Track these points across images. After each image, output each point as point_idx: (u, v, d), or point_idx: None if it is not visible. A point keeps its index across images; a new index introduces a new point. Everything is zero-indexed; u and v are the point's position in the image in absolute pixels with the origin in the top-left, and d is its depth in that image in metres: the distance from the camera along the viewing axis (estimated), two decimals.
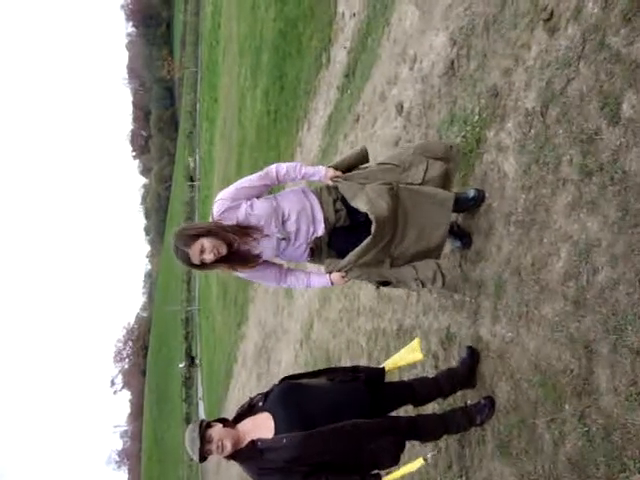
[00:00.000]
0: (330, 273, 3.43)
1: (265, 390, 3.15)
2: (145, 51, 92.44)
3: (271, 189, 3.44)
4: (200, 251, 3.08)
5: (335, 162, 3.47)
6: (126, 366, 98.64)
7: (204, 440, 2.83)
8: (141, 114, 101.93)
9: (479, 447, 3.47)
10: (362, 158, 3.47)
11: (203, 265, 3.18)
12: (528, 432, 3.04)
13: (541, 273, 3.06)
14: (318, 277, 3.50)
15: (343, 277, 3.42)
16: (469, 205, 3.70)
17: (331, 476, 2.86)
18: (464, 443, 3.64)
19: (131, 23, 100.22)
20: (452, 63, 4.34)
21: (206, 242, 3.08)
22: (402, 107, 5.26)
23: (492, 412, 3.34)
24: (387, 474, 3.06)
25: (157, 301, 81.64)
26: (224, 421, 3.00)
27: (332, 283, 3.45)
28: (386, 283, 3.53)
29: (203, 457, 2.86)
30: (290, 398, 2.99)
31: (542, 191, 3.12)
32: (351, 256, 3.27)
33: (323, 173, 3.36)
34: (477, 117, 3.85)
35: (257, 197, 3.30)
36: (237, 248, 3.20)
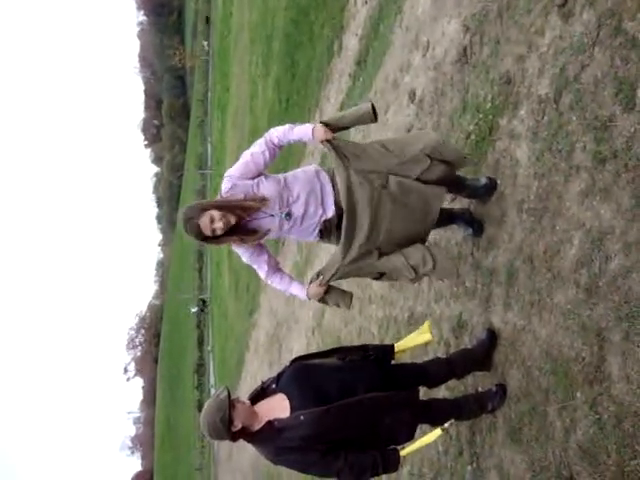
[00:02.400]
0: (310, 283, 3.40)
1: (276, 373, 3.16)
2: (156, 40, 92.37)
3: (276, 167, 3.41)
4: (210, 221, 3.11)
5: (330, 117, 3.30)
6: (138, 353, 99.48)
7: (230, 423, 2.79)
8: (153, 103, 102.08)
9: (490, 434, 3.48)
10: (366, 118, 3.22)
11: (214, 238, 3.21)
12: (539, 419, 3.05)
13: (553, 261, 3.06)
14: (299, 288, 3.46)
15: (320, 289, 3.36)
16: (481, 193, 3.69)
17: (350, 454, 2.84)
18: (475, 430, 3.65)
19: (142, 12, 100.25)
20: (465, 50, 4.31)
21: (215, 212, 3.11)
22: (414, 95, 5.24)
23: (503, 399, 3.34)
24: (402, 449, 3.04)
25: (169, 289, 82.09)
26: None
27: (308, 297, 3.42)
28: (381, 276, 3.45)
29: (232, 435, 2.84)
30: (303, 377, 3.00)
31: (555, 178, 3.11)
32: (327, 270, 3.28)
33: (310, 132, 3.17)
34: (490, 104, 3.83)
35: (264, 173, 3.28)
36: (245, 222, 3.22)
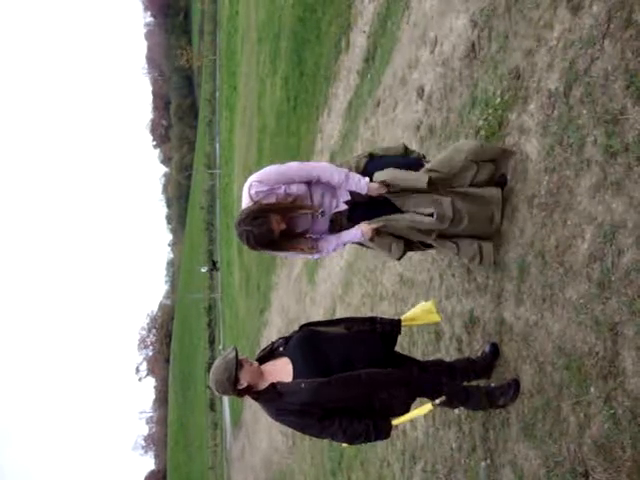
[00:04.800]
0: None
1: (284, 336, 3.33)
2: (164, 40, 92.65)
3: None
4: (276, 222, 3.19)
5: (385, 177, 3.39)
6: (150, 353, 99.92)
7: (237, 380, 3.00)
8: (161, 103, 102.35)
9: (503, 430, 3.47)
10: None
11: (278, 242, 3.27)
12: (553, 415, 3.04)
13: (565, 255, 3.04)
14: (348, 233, 3.51)
15: (372, 227, 3.44)
16: None
17: (344, 420, 3.05)
18: (488, 426, 3.64)
19: (149, 13, 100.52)
20: (473, 45, 4.30)
21: (275, 216, 3.20)
22: (423, 91, 5.23)
23: (516, 395, 3.34)
24: (395, 418, 3.21)
25: (180, 289, 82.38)
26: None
27: (362, 234, 3.46)
28: (411, 248, 3.63)
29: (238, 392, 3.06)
30: (308, 346, 3.16)
31: (566, 173, 3.09)
32: (409, 219, 3.42)
33: (364, 187, 3.36)
34: (499, 99, 3.82)
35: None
36: (290, 225, 3.32)
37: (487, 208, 3.48)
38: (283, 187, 3.30)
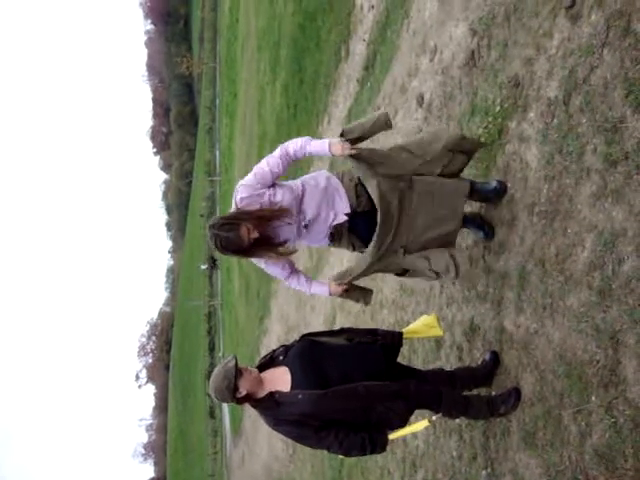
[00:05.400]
0: (335, 280, 3.52)
1: (286, 344, 3.33)
2: (164, 48, 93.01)
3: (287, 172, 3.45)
4: (248, 232, 3.14)
5: (346, 127, 3.29)
6: (150, 360, 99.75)
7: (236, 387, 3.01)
8: (161, 110, 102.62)
9: (504, 438, 3.46)
10: (382, 126, 3.27)
11: (246, 250, 3.22)
12: (554, 423, 3.03)
13: (565, 264, 3.04)
14: (319, 287, 3.58)
15: (341, 286, 3.50)
16: (491, 196, 3.68)
17: (341, 432, 3.05)
18: (489, 434, 3.63)
19: (150, 20, 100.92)
20: (473, 54, 4.31)
21: (248, 224, 3.15)
22: (423, 99, 5.24)
23: (517, 403, 3.33)
24: (391, 432, 3.21)
25: (180, 296, 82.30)
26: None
27: (330, 294, 3.54)
28: (404, 272, 3.56)
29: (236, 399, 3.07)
30: (308, 357, 3.15)
31: (565, 181, 3.09)
32: (355, 269, 3.40)
33: (327, 147, 3.18)
34: (499, 108, 3.83)
35: (277, 182, 3.31)
36: (266, 234, 3.25)
37: (453, 200, 3.32)
38: (267, 194, 3.25)
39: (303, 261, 11.24)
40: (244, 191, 3.23)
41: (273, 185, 3.29)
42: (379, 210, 3.21)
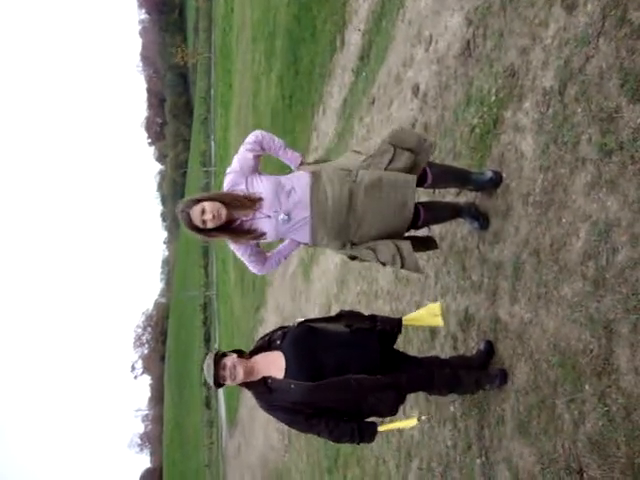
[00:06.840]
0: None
1: (285, 326, 3.37)
2: (158, 38, 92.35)
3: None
4: (201, 212, 3.18)
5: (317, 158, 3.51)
6: (145, 351, 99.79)
7: (218, 367, 3.06)
8: (156, 101, 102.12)
9: (498, 427, 3.48)
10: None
11: (206, 230, 3.26)
12: (548, 412, 3.05)
13: (560, 253, 3.05)
14: (287, 246, 3.59)
15: None
16: (486, 186, 3.68)
17: (331, 421, 3.12)
18: (483, 423, 3.65)
19: (144, 10, 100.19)
20: (468, 43, 4.30)
21: (207, 205, 3.18)
22: (418, 89, 5.23)
23: (502, 384, 3.41)
24: (381, 423, 3.27)
25: (175, 287, 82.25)
26: (240, 352, 3.22)
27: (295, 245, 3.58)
28: (353, 258, 3.61)
29: (218, 383, 3.10)
30: (304, 344, 3.17)
31: (560, 171, 3.10)
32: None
33: (297, 163, 3.45)
34: (494, 97, 3.82)
35: (260, 171, 3.39)
36: (240, 222, 3.29)
37: (401, 192, 3.27)
38: (244, 183, 3.29)
39: (298, 253, 11.25)
40: (229, 177, 3.34)
41: (254, 172, 3.35)
42: (310, 201, 3.26)
